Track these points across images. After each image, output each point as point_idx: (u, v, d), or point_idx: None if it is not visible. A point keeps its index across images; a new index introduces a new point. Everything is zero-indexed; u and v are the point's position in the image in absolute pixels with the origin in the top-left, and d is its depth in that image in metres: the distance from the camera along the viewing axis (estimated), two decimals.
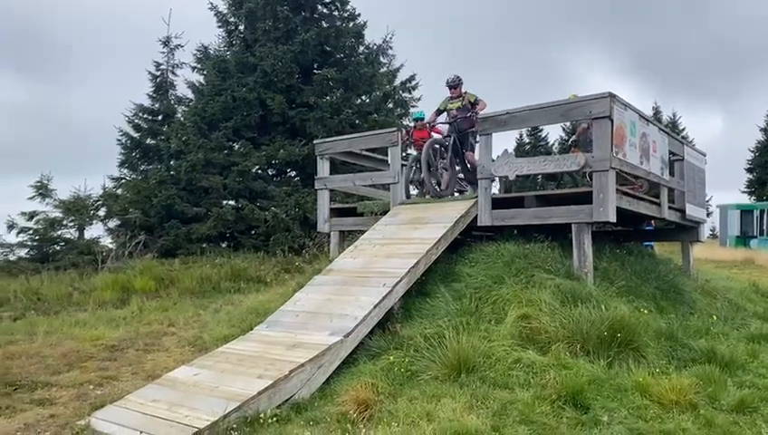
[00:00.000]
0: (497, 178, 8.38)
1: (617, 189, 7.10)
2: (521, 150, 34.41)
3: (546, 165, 7.76)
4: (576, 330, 5.63)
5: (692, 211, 9.60)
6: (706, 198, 10.99)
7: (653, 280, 7.84)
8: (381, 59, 17.16)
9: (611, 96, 6.91)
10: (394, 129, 8.19)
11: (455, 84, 9.25)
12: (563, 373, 5.01)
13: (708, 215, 18.16)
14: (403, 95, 17.45)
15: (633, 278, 7.55)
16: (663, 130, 8.91)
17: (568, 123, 22.97)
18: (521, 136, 37.38)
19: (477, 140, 8.95)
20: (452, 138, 9.27)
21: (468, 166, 9.57)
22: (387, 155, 9.57)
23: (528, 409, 4.53)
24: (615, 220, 6.98)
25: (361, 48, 16.93)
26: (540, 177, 12.97)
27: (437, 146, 9.21)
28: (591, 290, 6.51)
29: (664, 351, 5.95)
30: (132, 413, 4.86)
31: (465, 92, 9.28)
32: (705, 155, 10.60)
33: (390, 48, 17.23)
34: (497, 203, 7.82)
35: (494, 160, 7.80)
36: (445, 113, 9.59)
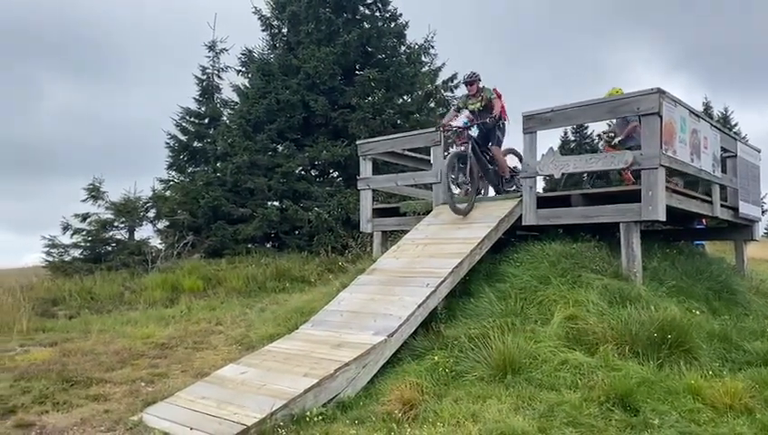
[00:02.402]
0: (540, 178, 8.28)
1: (666, 187, 6.92)
2: (565, 149, 33.82)
3: (593, 163, 7.62)
4: (625, 331, 5.52)
5: (745, 209, 9.28)
6: (761, 196, 10.60)
7: (705, 280, 7.61)
8: (423, 58, 17.11)
9: (660, 92, 6.74)
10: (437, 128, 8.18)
11: (470, 81, 8.62)
12: (612, 375, 4.92)
13: (763, 213, 17.49)
14: (445, 94, 17.38)
15: (684, 278, 7.35)
16: (714, 126, 8.65)
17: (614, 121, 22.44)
18: (565, 134, 36.73)
19: (504, 132, 8.81)
20: (470, 144, 8.31)
21: (492, 166, 8.85)
22: (429, 154, 9.57)
23: (575, 410, 4.46)
24: (664, 219, 6.81)
25: (403, 48, 16.91)
26: (586, 175, 12.70)
27: (456, 160, 8.24)
28: (641, 290, 6.38)
29: (717, 353, 5.79)
30: (182, 410, 4.98)
31: (483, 88, 8.62)
32: (759, 151, 10.24)
33: (432, 47, 17.17)
34: (542, 202, 7.72)
35: (539, 159, 7.70)
36: (465, 111, 8.99)
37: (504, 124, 8.74)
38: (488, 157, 8.72)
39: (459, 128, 8.47)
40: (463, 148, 8.26)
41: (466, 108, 8.73)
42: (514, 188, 8.75)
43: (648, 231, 8.88)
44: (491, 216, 7.69)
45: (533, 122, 7.71)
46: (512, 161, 9.18)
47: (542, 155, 7.67)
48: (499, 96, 8.59)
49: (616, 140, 9.57)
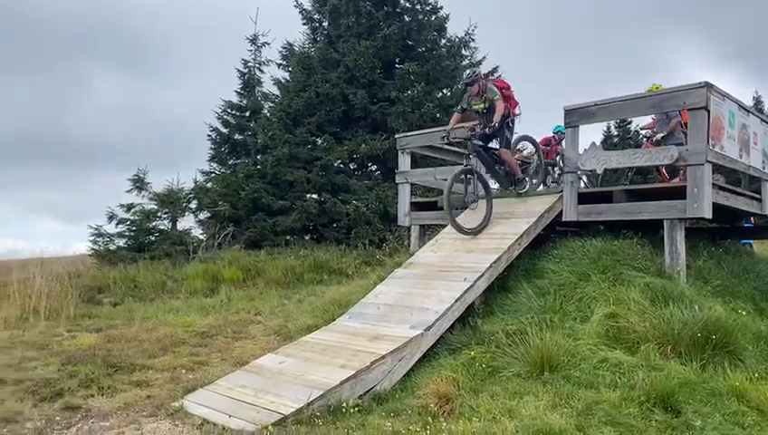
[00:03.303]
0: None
1: (713, 184, 6.73)
2: (607, 144, 33.14)
3: (637, 158, 7.45)
4: (667, 330, 5.41)
5: None
6: None
7: (752, 280, 7.40)
8: (463, 51, 16.94)
9: (708, 86, 6.55)
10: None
11: (470, 82, 7.81)
12: (653, 375, 4.83)
13: None
14: None
15: (730, 278, 7.16)
16: (765, 121, 8.36)
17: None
18: (608, 129, 35.97)
19: (515, 130, 8.23)
20: (474, 158, 7.87)
21: (502, 169, 8.21)
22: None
23: (614, 410, 4.40)
24: (710, 216, 6.63)
25: (443, 41, 16.78)
26: (629, 171, 12.41)
27: (462, 176, 7.74)
28: (684, 289, 6.22)
29: (763, 355, 5.61)
30: (221, 397, 5.09)
31: (486, 88, 7.78)
32: None
33: (473, 40, 16.97)
34: (583, 198, 7.60)
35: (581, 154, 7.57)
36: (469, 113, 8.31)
37: (512, 121, 8.05)
38: (496, 160, 8.12)
39: (462, 139, 7.89)
40: (466, 163, 7.78)
41: (470, 108, 8.02)
42: (527, 188, 8.38)
43: (694, 229, 8.65)
44: (531, 211, 7.60)
45: (576, 116, 7.58)
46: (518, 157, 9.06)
47: (585, 150, 7.54)
48: (506, 94, 7.93)
49: (658, 136, 9.35)
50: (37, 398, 5.26)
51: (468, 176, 7.69)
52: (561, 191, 7.74)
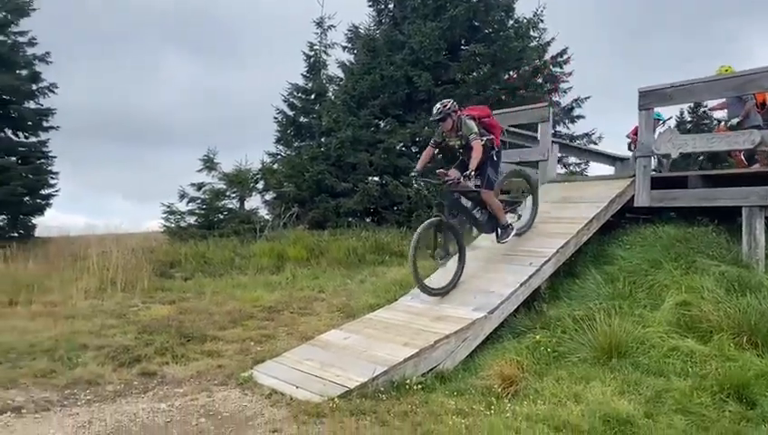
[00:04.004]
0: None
1: None
2: (681, 130, 31.82)
3: (714, 142, 7.14)
4: (743, 320, 5.20)
5: None
6: None
7: None
8: (531, 33, 16.60)
9: None
10: (545, 103, 7.88)
11: (441, 118, 6.53)
12: (727, 365, 4.67)
13: None
14: (553, 70, 16.81)
15: None
16: None
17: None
18: (681, 113, 34.52)
19: (498, 165, 6.95)
20: (445, 206, 6.58)
21: (484, 214, 6.94)
22: (536, 131, 9.32)
23: (685, 398, 4.29)
24: None
25: (511, 22, 16.45)
26: (701, 157, 11.87)
27: (432, 229, 6.51)
28: (763, 279, 5.96)
29: None
30: (288, 369, 5.24)
31: (461, 122, 6.53)
32: None
33: (541, 21, 16.56)
34: (656, 183, 7.35)
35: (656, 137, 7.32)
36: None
37: (497, 154, 6.90)
38: (477, 203, 6.90)
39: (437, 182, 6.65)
40: (435, 213, 6.67)
41: (445, 142, 6.76)
42: (509, 237, 6.90)
43: None
44: (601, 196, 7.42)
45: (651, 98, 7.32)
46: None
47: (659, 133, 7.28)
48: (487, 123, 6.83)
49: (733, 121, 8.87)
50: (116, 363, 5.57)
51: (438, 229, 6.52)
52: (633, 176, 7.51)
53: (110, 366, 5.47)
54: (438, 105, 6.58)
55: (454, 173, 6.45)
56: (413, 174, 7.15)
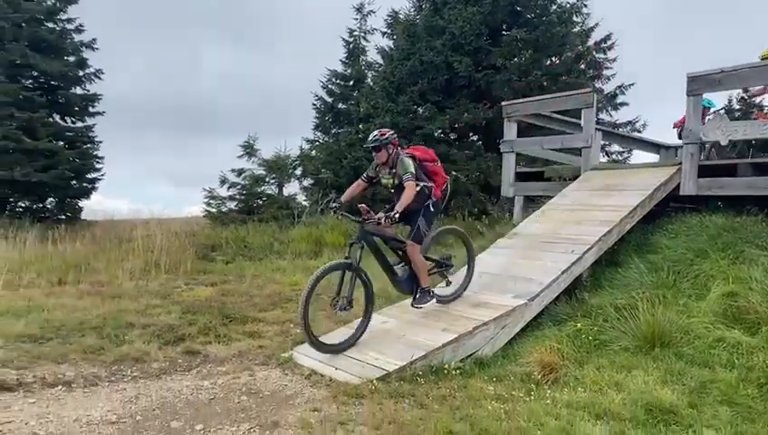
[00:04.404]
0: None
1: None
2: (729, 118, 30.78)
3: (767, 129, 6.89)
4: None
5: None
6: None
7: None
8: (575, 18, 16.24)
9: None
10: (590, 89, 7.71)
11: (375, 146, 5.61)
12: None
13: None
14: (597, 56, 16.43)
15: None
16: None
17: None
18: (729, 101, 33.42)
19: (432, 218, 5.83)
20: (359, 248, 5.52)
21: (406, 271, 5.89)
22: (578, 118, 9.16)
23: (731, 390, 4.20)
24: None
25: (554, 7, 16.10)
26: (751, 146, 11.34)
27: (340, 272, 5.46)
28: None
29: None
30: None
31: (397, 159, 5.57)
32: None
33: (585, 6, 16.20)
34: (704, 171, 7.15)
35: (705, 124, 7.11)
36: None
37: (435, 205, 5.80)
38: (400, 256, 5.93)
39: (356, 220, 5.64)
40: (347, 254, 5.55)
41: (378, 178, 5.84)
42: (425, 306, 5.80)
43: None
44: (646, 183, 7.25)
45: (699, 84, 7.10)
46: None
47: (708, 120, 7.07)
48: (431, 169, 5.86)
49: None
50: (161, 341, 5.72)
51: (346, 273, 5.43)
52: (679, 163, 7.32)
53: (156, 344, 5.62)
54: (375, 132, 5.65)
55: (380, 214, 5.43)
56: (333, 205, 5.81)
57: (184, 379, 4.87)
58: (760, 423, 3.78)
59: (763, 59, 8.27)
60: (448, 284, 6.17)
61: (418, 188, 5.52)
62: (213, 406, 4.28)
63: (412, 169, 5.46)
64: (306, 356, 5.25)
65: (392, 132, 5.65)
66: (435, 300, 5.86)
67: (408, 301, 6.30)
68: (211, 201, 15.36)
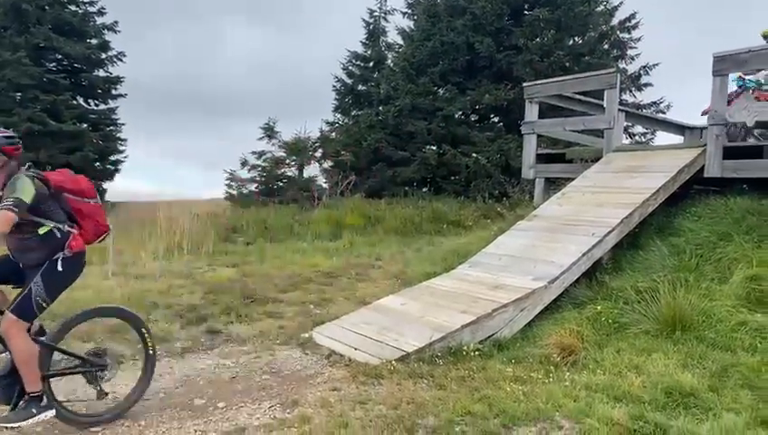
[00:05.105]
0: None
1: None
2: None
3: None
4: None
5: None
6: None
7: None
8: None
9: None
10: (613, 69, 7.56)
11: None
12: None
13: None
14: (621, 36, 16.15)
15: None
16: None
17: None
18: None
19: (55, 285, 3.49)
20: None
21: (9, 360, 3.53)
22: (601, 99, 9.02)
23: (753, 374, 4.14)
24: None
25: None
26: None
27: None
28: None
29: None
30: (347, 332, 5.35)
31: (14, 177, 3.37)
32: None
33: None
34: (728, 153, 7.02)
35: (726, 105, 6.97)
36: None
37: (65, 265, 3.52)
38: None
39: None
40: None
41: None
42: (29, 423, 3.44)
43: None
44: (669, 165, 7.14)
45: (726, 64, 6.94)
46: None
47: (735, 101, 6.93)
48: (75, 206, 3.69)
49: None
50: (184, 321, 5.82)
51: None
52: (704, 145, 7.19)
53: (179, 324, 5.73)
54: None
55: None
56: None
57: (206, 358, 4.96)
58: None
59: (764, 36, 8.05)
60: (102, 395, 3.80)
61: (44, 231, 3.48)
62: (234, 384, 4.36)
63: (23, 196, 3.30)
64: (326, 337, 5.31)
65: (7, 134, 3.52)
66: (50, 414, 3.51)
67: (426, 282, 6.34)
68: (232, 183, 15.49)
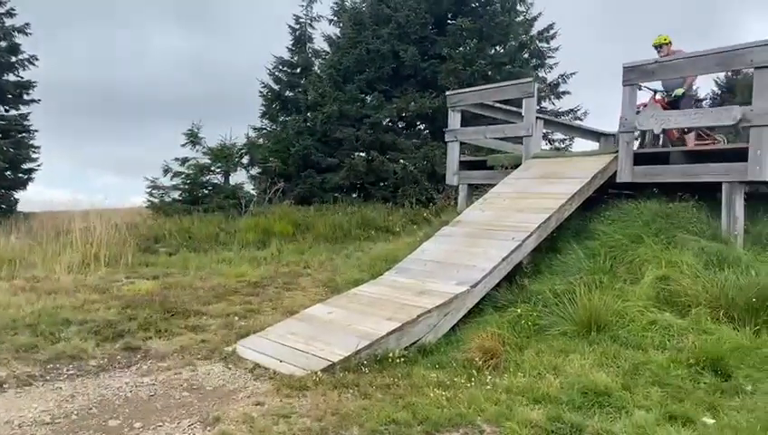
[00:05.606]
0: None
1: None
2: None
3: (697, 118, 7.18)
4: (720, 295, 5.29)
5: None
6: None
7: None
8: (518, 7, 16.51)
9: None
10: (530, 79, 7.84)
11: None
12: (703, 338, 4.78)
13: None
14: (540, 45, 16.74)
15: None
16: None
17: (722, 75, 20.88)
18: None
19: None
20: None
21: None
22: (520, 107, 9.32)
23: (662, 371, 4.37)
24: None
25: None
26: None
27: None
28: (740, 254, 6.05)
29: None
30: (273, 343, 5.26)
31: None
32: None
33: None
34: (639, 159, 7.40)
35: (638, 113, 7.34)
36: None
37: None
38: None
39: None
40: None
41: None
42: None
43: (757, 194, 8.31)
44: (584, 171, 7.45)
45: (635, 74, 7.32)
46: None
47: (642, 109, 7.31)
48: None
49: (678, 91, 8.34)
50: (100, 338, 5.55)
51: None
52: (616, 151, 7.55)
53: (94, 341, 5.46)
54: None
55: None
56: None
57: (123, 376, 4.75)
58: (688, 402, 3.95)
59: (654, 46, 8.53)
60: None
61: None
62: (153, 403, 4.20)
63: None
64: (250, 350, 5.20)
65: None
66: None
67: (354, 290, 6.33)
68: (154, 191, 14.96)
